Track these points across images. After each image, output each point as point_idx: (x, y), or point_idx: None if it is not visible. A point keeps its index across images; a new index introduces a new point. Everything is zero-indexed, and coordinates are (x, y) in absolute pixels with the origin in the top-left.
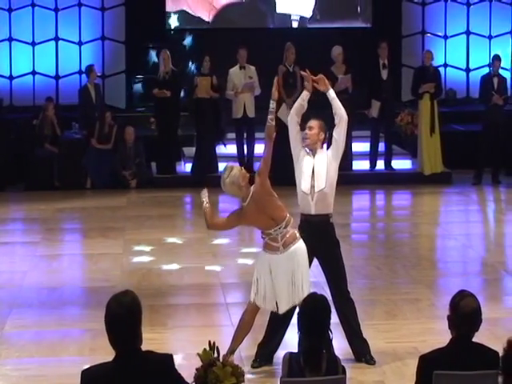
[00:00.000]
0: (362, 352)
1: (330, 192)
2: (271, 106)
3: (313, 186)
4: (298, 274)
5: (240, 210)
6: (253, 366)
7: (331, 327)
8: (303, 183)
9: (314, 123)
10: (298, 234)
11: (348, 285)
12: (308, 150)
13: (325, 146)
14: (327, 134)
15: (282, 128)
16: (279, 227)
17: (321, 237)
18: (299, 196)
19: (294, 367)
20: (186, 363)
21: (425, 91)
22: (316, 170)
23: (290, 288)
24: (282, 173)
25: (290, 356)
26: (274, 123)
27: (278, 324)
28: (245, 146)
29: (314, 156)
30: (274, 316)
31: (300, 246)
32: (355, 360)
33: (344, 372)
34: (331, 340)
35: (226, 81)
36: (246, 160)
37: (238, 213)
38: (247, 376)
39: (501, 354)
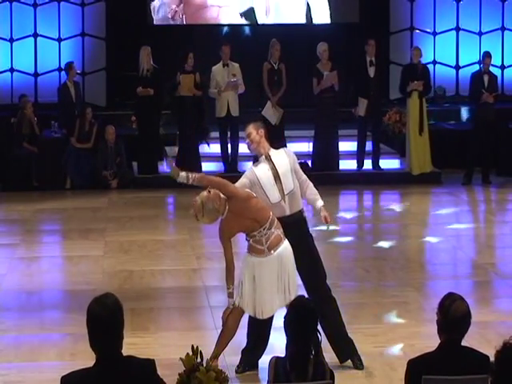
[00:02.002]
0: (346, 353)
1: (297, 189)
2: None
3: (281, 190)
4: (285, 277)
5: (223, 226)
6: (237, 372)
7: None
8: (271, 197)
9: (248, 130)
10: (282, 235)
11: (328, 282)
12: (260, 157)
13: (282, 150)
14: (264, 129)
15: (266, 126)
16: (263, 228)
17: (297, 233)
18: (270, 207)
19: (280, 372)
20: (168, 368)
21: (413, 89)
22: (280, 172)
23: (275, 292)
24: None
25: (276, 361)
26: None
27: (260, 328)
28: (229, 145)
29: (269, 161)
30: (254, 321)
31: (285, 247)
32: (340, 362)
33: (332, 377)
34: (320, 344)
35: (209, 79)
36: (229, 160)
37: (223, 230)
38: (232, 382)
39: (493, 355)
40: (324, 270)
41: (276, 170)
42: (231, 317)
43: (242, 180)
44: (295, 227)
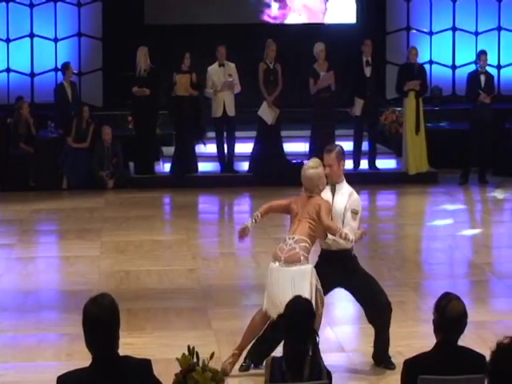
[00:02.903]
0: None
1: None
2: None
3: None
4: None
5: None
6: (240, 369)
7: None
8: None
9: (330, 158)
10: (302, 258)
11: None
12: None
13: (348, 192)
14: (345, 159)
15: (262, 126)
16: (292, 237)
17: (341, 269)
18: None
19: (275, 372)
20: (164, 368)
21: (410, 89)
22: (334, 210)
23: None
24: (260, 170)
25: (272, 361)
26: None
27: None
28: (225, 146)
29: (333, 192)
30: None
31: (303, 269)
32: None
33: (330, 378)
34: (317, 344)
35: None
36: (226, 160)
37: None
38: (231, 380)
39: (488, 357)
40: (382, 298)
41: (331, 205)
42: (258, 315)
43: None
44: (339, 263)
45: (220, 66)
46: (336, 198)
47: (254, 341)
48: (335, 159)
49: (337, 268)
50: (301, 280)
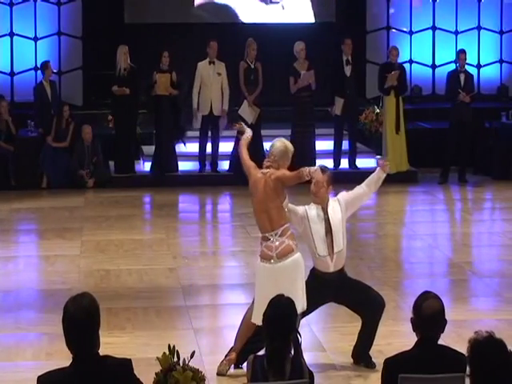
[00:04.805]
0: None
1: (345, 249)
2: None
3: (330, 247)
4: (292, 290)
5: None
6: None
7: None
8: (319, 248)
9: (321, 179)
10: (294, 246)
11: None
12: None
13: (337, 201)
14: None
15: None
16: (275, 233)
17: (336, 289)
18: (315, 258)
19: (257, 371)
20: (145, 368)
21: (390, 85)
22: (334, 229)
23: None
24: (241, 169)
25: (253, 359)
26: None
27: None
28: (208, 145)
29: (324, 211)
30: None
31: (296, 258)
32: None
33: (311, 377)
34: (300, 343)
35: (185, 78)
36: (210, 159)
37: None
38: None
39: (467, 356)
40: (377, 301)
41: (329, 224)
42: (249, 313)
43: (297, 207)
44: (334, 284)
45: (210, 63)
46: (331, 216)
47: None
48: (325, 180)
49: (329, 289)
50: (296, 269)
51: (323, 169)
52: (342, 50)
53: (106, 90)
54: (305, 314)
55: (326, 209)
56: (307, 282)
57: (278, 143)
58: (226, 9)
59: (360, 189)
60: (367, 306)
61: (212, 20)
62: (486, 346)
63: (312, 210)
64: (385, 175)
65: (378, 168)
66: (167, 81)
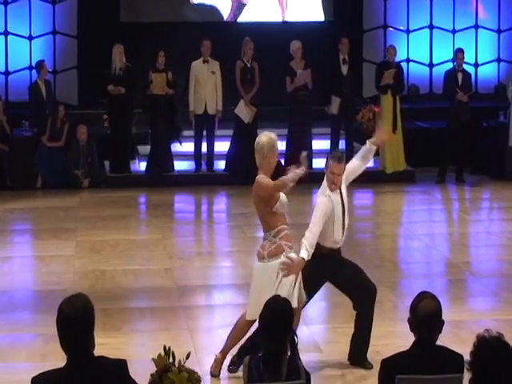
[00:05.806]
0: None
1: None
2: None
3: (343, 227)
4: (284, 288)
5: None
6: (230, 371)
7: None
8: (336, 232)
9: (339, 168)
10: (285, 248)
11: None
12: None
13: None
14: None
15: (239, 124)
16: (269, 233)
17: (339, 265)
18: (324, 239)
19: (253, 372)
20: (140, 369)
21: (387, 84)
22: (346, 207)
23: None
24: (237, 169)
25: (249, 360)
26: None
27: None
28: (204, 144)
29: (340, 194)
30: None
31: (284, 261)
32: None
33: (308, 378)
34: (296, 344)
35: (181, 77)
36: (206, 158)
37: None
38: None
39: (468, 354)
40: (370, 288)
41: (343, 206)
42: (243, 317)
43: (324, 209)
44: (336, 259)
45: (204, 62)
46: (344, 197)
47: (244, 342)
48: (343, 169)
49: (326, 266)
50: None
51: (339, 157)
52: (338, 49)
53: (101, 90)
54: (308, 299)
55: (341, 191)
56: (308, 264)
57: (263, 138)
58: (223, 7)
59: (352, 164)
60: (361, 290)
61: (208, 19)
62: (492, 345)
63: (333, 199)
64: (375, 148)
65: (367, 141)
66: (163, 80)
